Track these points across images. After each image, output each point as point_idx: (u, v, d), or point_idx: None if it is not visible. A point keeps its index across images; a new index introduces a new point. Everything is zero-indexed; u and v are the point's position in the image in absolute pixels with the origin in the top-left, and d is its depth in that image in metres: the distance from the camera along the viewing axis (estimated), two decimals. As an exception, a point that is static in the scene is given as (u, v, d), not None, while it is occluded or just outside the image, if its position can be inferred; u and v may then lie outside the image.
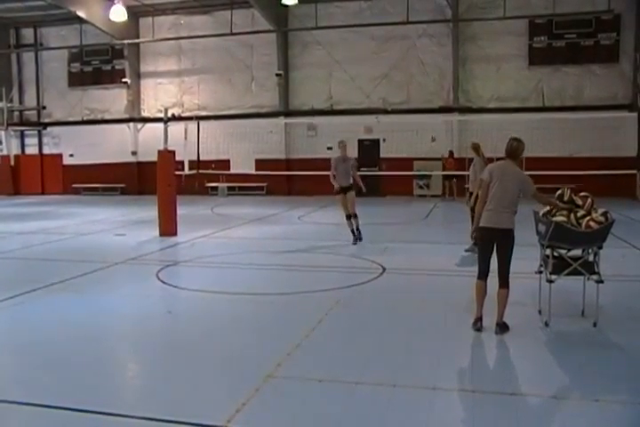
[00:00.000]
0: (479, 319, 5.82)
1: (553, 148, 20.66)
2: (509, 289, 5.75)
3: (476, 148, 10.45)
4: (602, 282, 5.80)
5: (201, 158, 16.16)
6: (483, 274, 5.84)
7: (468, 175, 11.04)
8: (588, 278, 5.94)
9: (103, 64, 26.77)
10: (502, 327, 5.71)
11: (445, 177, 21.57)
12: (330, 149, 23.83)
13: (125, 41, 25.06)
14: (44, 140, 28.10)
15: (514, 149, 5.90)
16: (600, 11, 20.64)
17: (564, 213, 5.90)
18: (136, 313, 6.90)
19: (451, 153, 21.66)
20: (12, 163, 27.56)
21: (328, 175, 11.60)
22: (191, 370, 4.95)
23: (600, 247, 5.84)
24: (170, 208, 12.81)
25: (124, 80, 25.88)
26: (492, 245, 5.78)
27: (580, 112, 20.26)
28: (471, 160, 10.88)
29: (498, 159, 6.16)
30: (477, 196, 9.64)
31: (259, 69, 24.77)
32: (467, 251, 10.00)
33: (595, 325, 5.84)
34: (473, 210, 9.89)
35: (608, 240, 5.88)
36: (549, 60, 21.96)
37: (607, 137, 20.36)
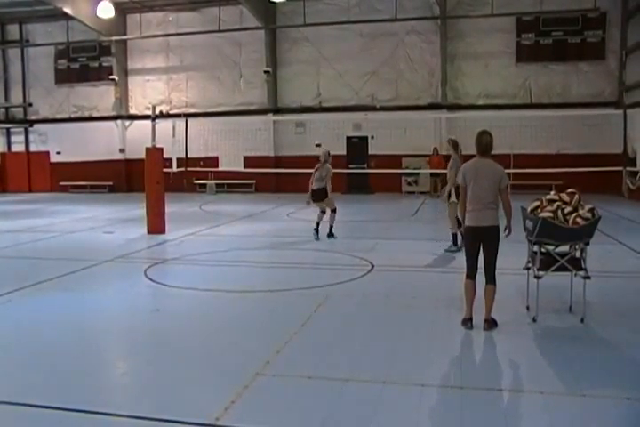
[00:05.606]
0: (469, 320, 5.81)
1: (540, 144, 20.79)
2: (496, 285, 5.79)
3: (455, 145, 9.79)
4: (589, 278, 5.84)
5: (189, 156, 16.04)
6: (471, 273, 5.84)
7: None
8: (576, 274, 5.98)
9: (90, 61, 26.53)
10: (490, 323, 5.74)
11: (432, 175, 21.16)
12: (318, 146, 23.92)
13: (113, 38, 24.92)
14: (31, 137, 27.83)
15: (489, 145, 5.77)
16: (586, 9, 20.79)
17: (552, 208, 5.94)
18: (124, 311, 6.87)
19: (435, 150, 21.18)
20: (-1, 160, 27.44)
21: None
22: (179, 368, 4.94)
23: (587, 243, 5.88)
24: (158, 206, 12.77)
25: (111, 77, 25.69)
26: (479, 243, 5.80)
27: (567, 109, 20.36)
28: (448, 157, 10.20)
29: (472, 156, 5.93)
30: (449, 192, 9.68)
31: (247, 66, 24.69)
32: (446, 251, 9.92)
33: (582, 320, 5.89)
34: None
35: (595, 236, 5.93)
36: (537, 58, 22.06)
37: (594, 134, 20.48)
